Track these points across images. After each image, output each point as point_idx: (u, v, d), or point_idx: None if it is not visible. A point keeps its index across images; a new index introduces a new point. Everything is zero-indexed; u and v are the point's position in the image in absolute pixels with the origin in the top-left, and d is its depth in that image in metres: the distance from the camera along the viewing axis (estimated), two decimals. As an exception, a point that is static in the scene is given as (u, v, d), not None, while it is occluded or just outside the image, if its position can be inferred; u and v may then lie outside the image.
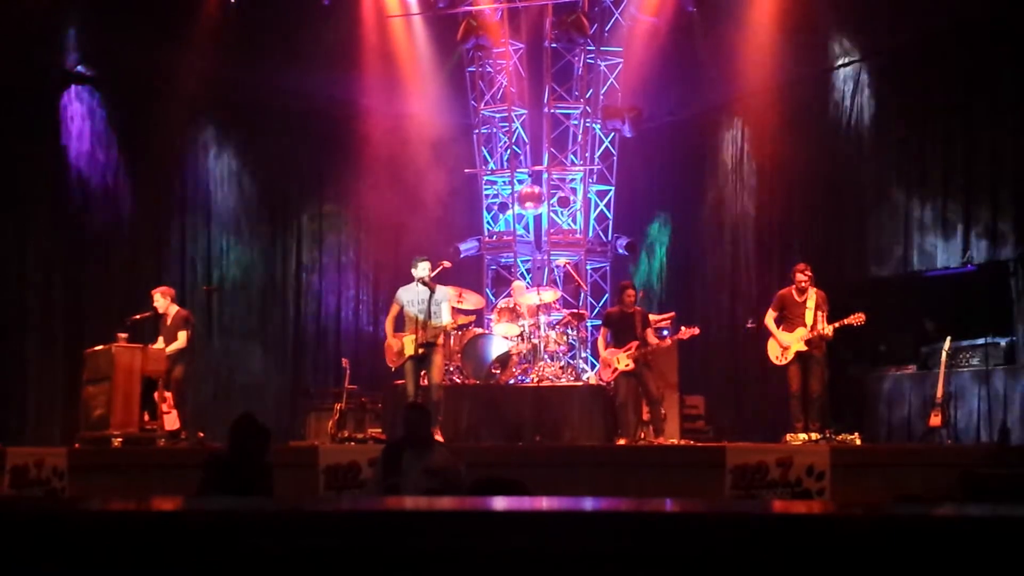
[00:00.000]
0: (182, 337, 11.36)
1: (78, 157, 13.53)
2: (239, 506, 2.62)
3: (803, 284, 10.68)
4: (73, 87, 13.58)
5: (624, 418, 11.15)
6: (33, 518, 2.29)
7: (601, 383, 11.74)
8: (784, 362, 10.67)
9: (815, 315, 10.52)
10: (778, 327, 10.77)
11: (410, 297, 10.57)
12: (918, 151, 12.21)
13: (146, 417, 11.12)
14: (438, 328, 10.49)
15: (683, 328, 11.55)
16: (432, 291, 10.52)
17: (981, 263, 11.59)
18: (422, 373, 10.67)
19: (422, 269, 10.53)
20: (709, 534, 2.06)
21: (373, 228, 15.66)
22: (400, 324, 10.76)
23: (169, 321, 11.50)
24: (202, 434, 11.78)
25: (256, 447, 6.50)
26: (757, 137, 14.08)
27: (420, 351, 10.47)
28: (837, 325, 10.46)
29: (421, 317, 10.46)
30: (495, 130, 15.37)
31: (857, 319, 10.38)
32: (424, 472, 7.09)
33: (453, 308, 11.21)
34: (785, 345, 10.62)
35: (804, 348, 10.53)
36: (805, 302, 10.63)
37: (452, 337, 11.80)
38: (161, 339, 11.56)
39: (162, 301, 11.55)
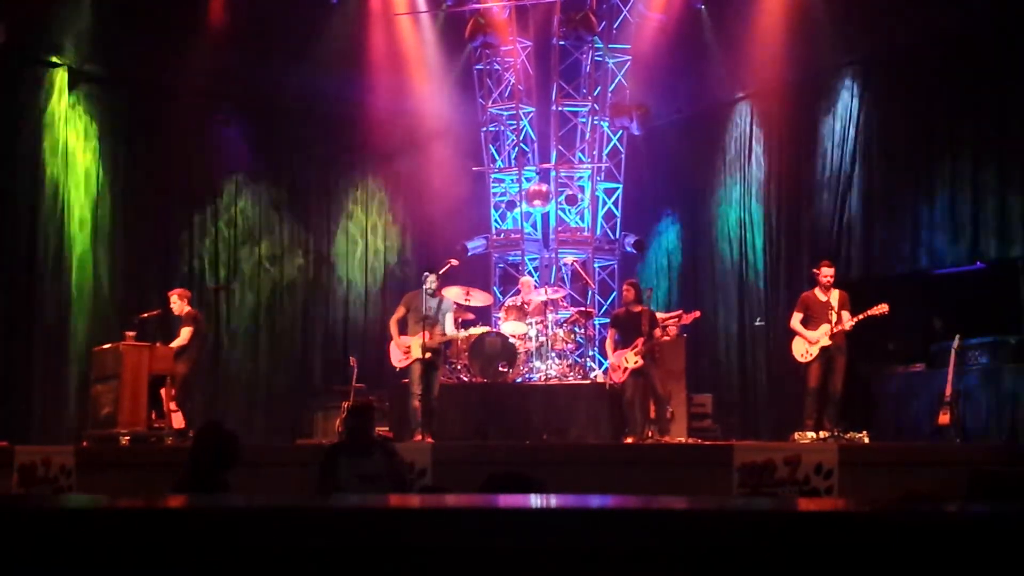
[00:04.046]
0: (184, 334, 11.41)
1: (87, 155, 13.56)
2: (244, 504, 2.62)
3: (827, 281, 10.68)
4: (82, 85, 13.60)
5: (631, 416, 11.14)
6: (41, 516, 2.29)
7: (611, 383, 11.69)
8: (809, 359, 10.66)
9: (839, 315, 10.53)
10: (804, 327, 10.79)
11: (418, 304, 10.88)
12: (926, 149, 12.17)
13: (154, 416, 11.15)
14: (444, 337, 10.91)
15: (684, 315, 11.65)
16: (439, 300, 10.92)
17: (990, 261, 11.56)
18: None
19: (431, 283, 10.89)
20: (718, 532, 2.05)
21: (381, 226, 15.67)
22: (403, 328, 11.01)
23: (182, 320, 11.62)
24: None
25: (220, 460, 5.99)
26: (765, 135, 14.05)
27: (429, 356, 10.74)
28: (861, 317, 10.47)
29: (425, 323, 10.73)
30: (503, 128, 15.37)
31: (880, 309, 10.39)
32: (358, 478, 6.72)
33: (457, 306, 11.61)
34: (813, 340, 10.61)
35: (829, 343, 10.55)
36: (829, 301, 10.64)
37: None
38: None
39: (178, 303, 11.64)
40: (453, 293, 12.19)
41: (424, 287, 10.90)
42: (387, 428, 12.00)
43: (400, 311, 11.04)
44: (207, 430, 6.32)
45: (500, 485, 4.68)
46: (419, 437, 10.52)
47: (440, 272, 11.13)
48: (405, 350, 10.85)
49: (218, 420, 6.88)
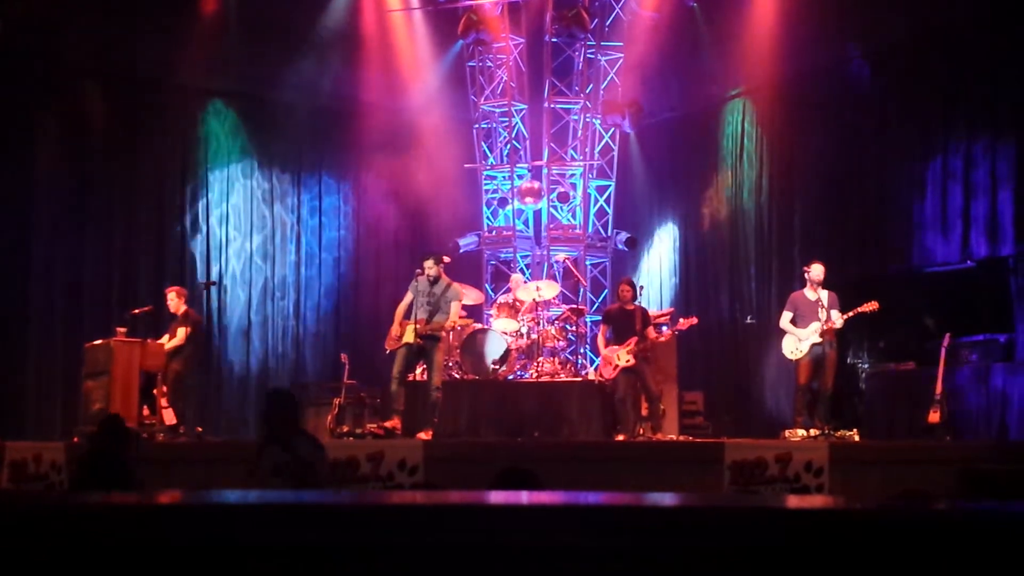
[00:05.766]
0: (180, 334, 11.37)
1: (81, 151, 13.53)
2: (238, 500, 2.62)
3: (817, 280, 10.67)
4: (76, 79, 13.57)
5: (623, 414, 11.13)
6: (31, 512, 2.29)
7: (601, 379, 11.71)
8: (799, 356, 10.67)
9: (828, 313, 10.53)
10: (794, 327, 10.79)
11: (421, 288, 10.55)
12: (919, 147, 12.20)
13: (145, 412, 11.12)
14: (440, 322, 10.45)
15: (681, 319, 11.60)
16: (445, 287, 10.53)
17: (981, 259, 11.59)
18: (420, 370, 10.66)
19: (427, 267, 10.52)
20: (708, 529, 2.06)
21: (372, 222, 15.66)
22: (409, 313, 10.71)
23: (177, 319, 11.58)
24: (200, 429, 11.80)
25: (119, 447, 6.31)
26: (757, 133, 14.07)
27: (419, 342, 10.40)
28: (851, 314, 10.48)
29: (426, 309, 10.46)
30: (495, 125, 15.36)
31: (870, 307, 10.40)
32: (276, 469, 6.40)
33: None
34: (803, 337, 10.61)
35: (819, 340, 10.55)
36: (819, 300, 10.63)
37: (451, 333, 11.82)
38: (167, 336, 11.59)
39: (175, 301, 11.58)
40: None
41: (424, 273, 10.52)
42: (377, 425, 11.97)
43: (407, 296, 10.64)
44: (106, 424, 6.45)
45: (509, 480, 4.68)
46: (395, 421, 10.29)
47: (439, 259, 10.71)
48: (398, 335, 10.50)
49: (117, 415, 7.01)
